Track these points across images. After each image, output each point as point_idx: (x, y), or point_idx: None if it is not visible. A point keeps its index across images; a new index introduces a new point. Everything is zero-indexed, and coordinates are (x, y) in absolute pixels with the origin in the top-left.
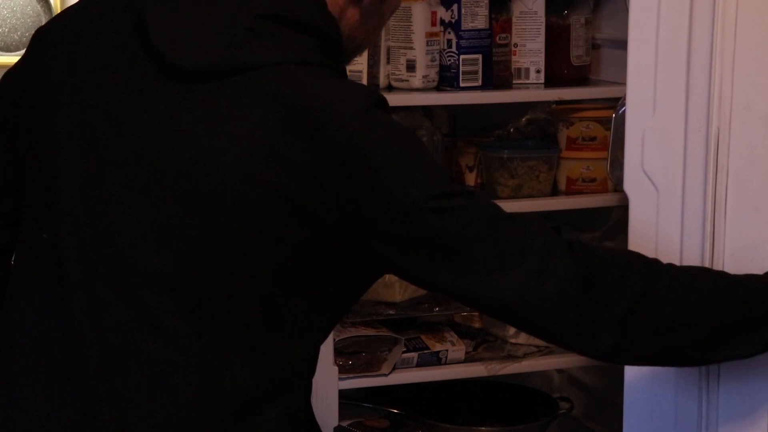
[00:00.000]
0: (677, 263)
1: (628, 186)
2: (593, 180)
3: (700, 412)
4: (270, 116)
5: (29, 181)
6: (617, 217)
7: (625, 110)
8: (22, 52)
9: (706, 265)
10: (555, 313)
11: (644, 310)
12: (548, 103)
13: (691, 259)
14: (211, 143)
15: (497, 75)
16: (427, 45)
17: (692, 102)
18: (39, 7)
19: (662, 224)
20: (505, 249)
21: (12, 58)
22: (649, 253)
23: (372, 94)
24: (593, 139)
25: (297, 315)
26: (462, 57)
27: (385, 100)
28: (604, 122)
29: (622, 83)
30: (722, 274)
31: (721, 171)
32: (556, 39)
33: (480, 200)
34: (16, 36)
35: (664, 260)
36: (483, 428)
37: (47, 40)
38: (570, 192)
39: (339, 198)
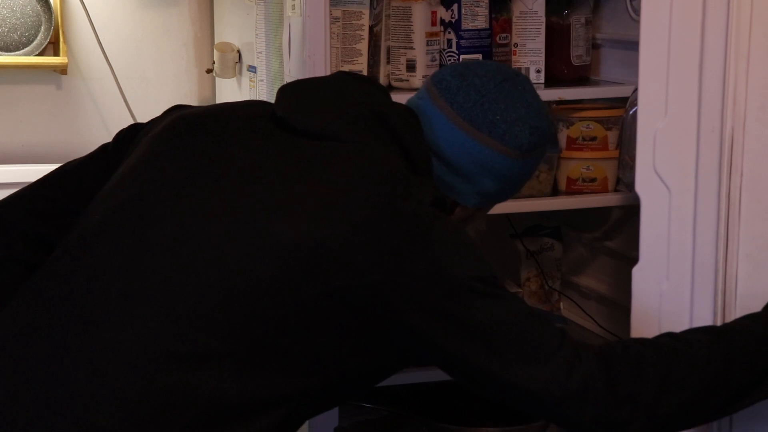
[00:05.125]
0: (690, 266)
1: (639, 187)
2: (593, 180)
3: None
4: (350, 179)
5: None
6: (617, 217)
7: (635, 111)
8: (22, 52)
9: (720, 267)
10: (579, 407)
11: (668, 393)
12: (548, 103)
13: (704, 261)
14: (297, 191)
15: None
16: (427, 45)
17: (705, 102)
18: (39, 7)
19: (674, 225)
20: (539, 342)
21: (12, 58)
22: (661, 256)
23: (438, 192)
24: (593, 139)
25: (304, 355)
26: (462, 57)
27: (445, 202)
28: (604, 122)
29: (623, 83)
30: (727, 330)
31: (735, 172)
32: (556, 39)
33: (518, 299)
34: (15, 36)
35: (676, 262)
36: (483, 428)
37: (183, 113)
38: (570, 192)
39: (390, 259)
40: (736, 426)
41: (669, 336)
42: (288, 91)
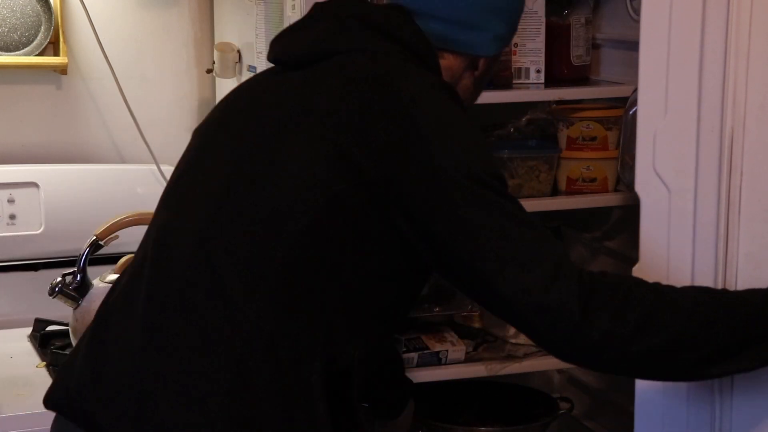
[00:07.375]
0: (689, 266)
1: (639, 187)
2: (593, 180)
3: (713, 423)
4: (339, 85)
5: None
6: (617, 217)
7: (635, 111)
8: (22, 52)
9: (720, 267)
10: (550, 324)
11: (644, 334)
12: (548, 103)
13: (704, 261)
14: (291, 113)
15: (497, 75)
16: None
17: (705, 102)
18: (39, 7)
19: (674, 226)
20: (522, 251)
21: (12, 58)
22: (661, 256)
23: (440, 79)
24: (593, 139)
25: (352, 274)
26: None
27: (452, 89)
28: (604, 122)
29: (623, 83)
30: (724, 294)
31: (734, 171)
32: (556, 39)
33: (512, 202)
34: (15, 36)
35: (676, 262)
36: (483, 428)
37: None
38: (570, 192)
39: (383, 153)
40: (736, 413)
41: (666, 286)
42: (277, 38)
